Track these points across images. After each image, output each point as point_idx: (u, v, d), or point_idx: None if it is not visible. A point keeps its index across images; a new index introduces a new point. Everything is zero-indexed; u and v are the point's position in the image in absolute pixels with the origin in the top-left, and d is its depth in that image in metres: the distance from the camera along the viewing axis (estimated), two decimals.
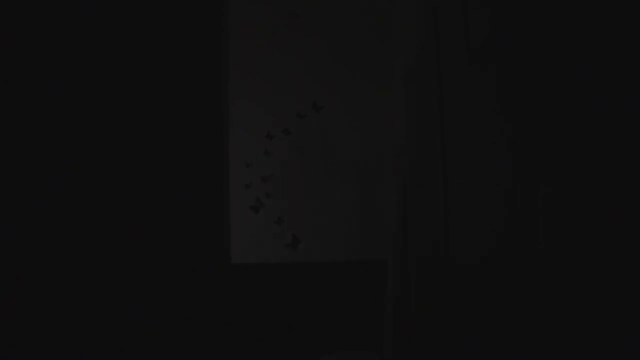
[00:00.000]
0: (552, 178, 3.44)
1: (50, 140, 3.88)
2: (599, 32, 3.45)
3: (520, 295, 3.41)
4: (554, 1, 3.49)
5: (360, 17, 3.99)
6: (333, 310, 3.93)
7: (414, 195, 3.54)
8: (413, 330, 3.46)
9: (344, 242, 3.96)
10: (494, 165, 3.47)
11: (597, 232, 3.39)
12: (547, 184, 3.44)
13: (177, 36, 3.96)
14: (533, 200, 3.44)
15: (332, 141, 3.99)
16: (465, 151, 3.51)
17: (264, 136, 3.99)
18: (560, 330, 3.37)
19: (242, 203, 3.99)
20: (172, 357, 3.85)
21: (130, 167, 3.90)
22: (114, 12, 3.93)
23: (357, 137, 3.98)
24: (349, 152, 3.98)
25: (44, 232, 3.84)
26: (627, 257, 3.35)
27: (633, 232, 3.35)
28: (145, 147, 3.92)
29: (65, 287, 3.84)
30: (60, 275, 3.84)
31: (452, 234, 3.48)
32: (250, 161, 3.99)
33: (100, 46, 3.92)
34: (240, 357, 3.90)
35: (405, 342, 3.46)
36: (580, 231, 3.40)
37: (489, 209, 3.46)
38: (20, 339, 3.79)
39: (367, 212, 3.95)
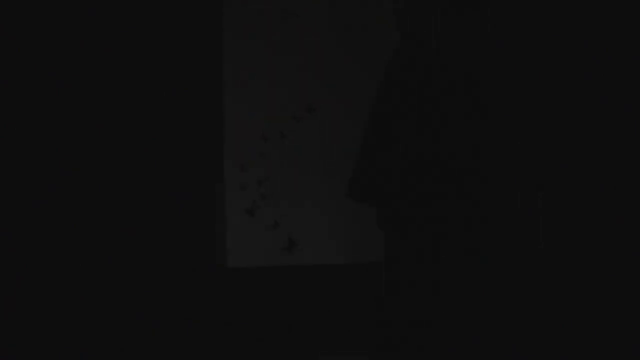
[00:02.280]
0: (552, 178, 3.45)
1: (50, 140, 3.88)
2: (599, 31, 3.46)
3: (520, 295, 3.41)
4: (554, 1, 3.50)
5: (359, 18, 3.99)
6: (330, 314, 3.93)
7: None
8: (412, 332, 3.46)
9: (340, 245, 3.95)
10: (494, 164, 3.48)
11: (597, 232, 3.39)
12: (547, 184, 3.44)
13: (177, 37, 3.96)
14: (533, 200, 3.44)
15: (329, 143, 3.98)
16: (465, 150, 3.51)
17: (260, 138, 3.98)
18: (560, 331, 3.37)
19: (237, 206, 3.97)
20: (172, 358, 3.86)
21: (128, 167, 3.91)
22: (114, 12, 3.93)
23: (353, 138, 3.98)
24: (346, 153, 3.98)
25: (43, 232, 3.84)
26: (627, 257, 3.36)
27: (633, 232, 3.36)
28: (143, 148, 3.92)
29: (65, 287, 3.85)
30: (59, 275, 3.84)
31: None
32: (245, 163, 3.97)
33: (100, 46, 3.92)
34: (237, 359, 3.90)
35: (403, 345, 3.46)
36: (580, 231, 3.40)
37: (489, 209, 3.46)
38: (20, 339, 3.79)
39: (363, 214, 3.95)
